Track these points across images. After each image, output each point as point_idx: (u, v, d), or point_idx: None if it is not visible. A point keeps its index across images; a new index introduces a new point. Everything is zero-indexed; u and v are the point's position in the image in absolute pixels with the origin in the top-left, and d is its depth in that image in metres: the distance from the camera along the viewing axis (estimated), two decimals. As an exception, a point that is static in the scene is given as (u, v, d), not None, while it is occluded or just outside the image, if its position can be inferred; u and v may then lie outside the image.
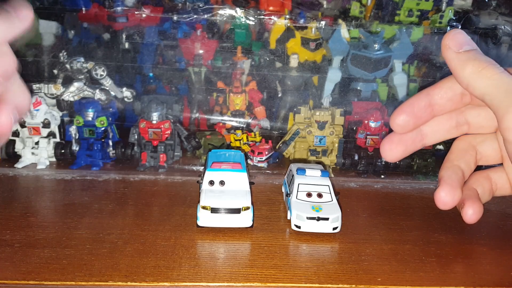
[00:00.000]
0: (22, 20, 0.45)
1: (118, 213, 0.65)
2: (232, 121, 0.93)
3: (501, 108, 0.48)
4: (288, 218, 0.64)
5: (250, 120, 0.93)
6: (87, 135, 0.86)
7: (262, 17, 0.95)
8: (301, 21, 0.98)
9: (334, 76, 0.96)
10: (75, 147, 0.87)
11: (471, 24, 1.00)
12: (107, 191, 0.74)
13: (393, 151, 0.59)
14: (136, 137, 0.88)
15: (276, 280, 0.50)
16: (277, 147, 0.91)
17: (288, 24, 0.97)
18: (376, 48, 0.92)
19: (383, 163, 0.88)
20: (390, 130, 0.87)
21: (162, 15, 0.98)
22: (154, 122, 0.84)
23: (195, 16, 0.94)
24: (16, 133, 0.87)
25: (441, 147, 0.91)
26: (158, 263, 0.52)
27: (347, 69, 0.96)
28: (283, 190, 0.74)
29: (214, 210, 0.60)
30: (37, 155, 0.86)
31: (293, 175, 0.68)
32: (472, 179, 0.62)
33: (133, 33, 1.00)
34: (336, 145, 0.89)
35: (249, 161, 0.88)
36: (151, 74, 1.02)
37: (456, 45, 0.53)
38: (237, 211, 0.60)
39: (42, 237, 0.57)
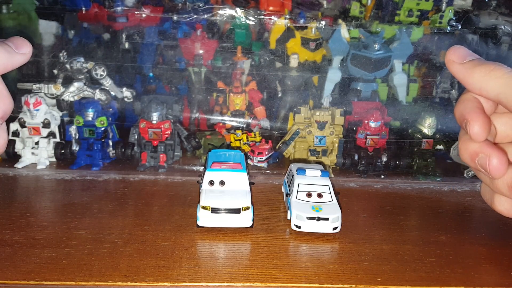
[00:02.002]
0: (21, 54, 0.49)
1: (118, 213, 0.65)
2: (232, 121, 0.93)
3: None
4: (288, 218, 0.64)
5: (250, 120, 0.93)
6: (87, 135, 0.86)
7: (262, 17, 0.95)
8: (301, 21, 0.98)
9: (334, 76, 0.96)
10: (75, 147, 0.87)
11: (471, 24, 1.00)
12: (107, 191, 0.74)
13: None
14: (136, 137, 0.88)
15: (276, 280, 0.50)
16: (277, 147, 0.91)
17: (288, 24, 0.97)
18: (376, 48, 0.92)
19: (383, 163, 0.88)
20: (390, 130, 0.88)
21: (162, 15, 0.98)
22: (154, 122, 0.84)
23: (195, 16, 0.94)
24: (16, 133, 0.87)
25: (441, 147, 0.91)
26: (158, 263, 0.52)
27: (347, 69, 0.96)
28: (283, 190, 0.74)
29: (214, 210, 0.60)
30: (37, 155, 0.86)
31: (293, 175, 0.68)
32: None
33: (133, 33, 1.00)
34: (336, 145, 0.89)
35: (249, 161, 0.88)
36: (151, 74, 1.02)
37: (459, 58, 0.54)
38: (237, 211, 0.60)
39: (42, 237, 0.57)
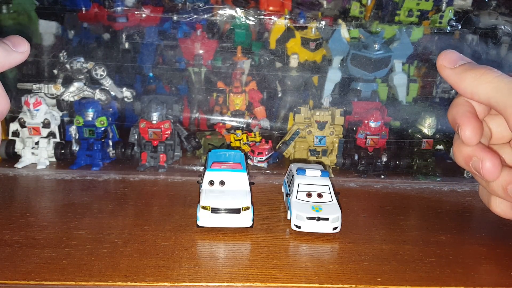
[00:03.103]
0: (19, 52, 0.49)
1: (118, 213, 0.65)
2: (232, 121, 0.93)
3: (507, 107, 0.48)
4: (288, 218, 0.64)
5: (250, 120, 0.93)
6: (87, 135, 0.86)
7: (262, 17, 0.95)
8: (301, 21, 0.98)
9: (334, 76, 0.96)
10: (75, 147, 0.87)
11: (471, 24, 1.00)
12: (107, 191, 0.74)
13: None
14: (136, 137, 0.88)
15: (276, 280, 0.50)
16: (277, 147, 0.91)
17: (288, 24, 0.97)
18: (376, 48, 0.92)
19: (383, 163, 0.88)
20: (390, 130, 0.88)
21: (162, 15, 0.98)
22: (154, 122, 0.84)
23: (195, 16, 0.94)
24: (16, 133, 0.87)
25: (441, 147, 0.91)
26: (158, 263, 0.52)
27: (347, 69, 0.96)
28: (283, 190, 0.74)
29: (214, 210, 0.60)
30: (37, 155, 0.86)
31: (293, 175, 0.68)
32: None
33: (133, 33, 1.00)
34: (336, 145, 0.89)
35: (249, 161, 0.88)
36: (151, 74, 1.02)
37: (450, 62, 0.54)
38: (237, 211, 0.60)
39: (42, 237, 0.57)
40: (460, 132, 0.52)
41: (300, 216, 0.60)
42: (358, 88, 0.96)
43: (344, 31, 0.95)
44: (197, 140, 0.90)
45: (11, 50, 0.48)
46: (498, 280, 0.52)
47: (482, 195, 0.60)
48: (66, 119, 0.90)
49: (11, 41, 0.49)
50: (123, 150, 0.88)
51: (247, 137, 0.91)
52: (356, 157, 0.88)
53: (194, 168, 0.86)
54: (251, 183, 0.66)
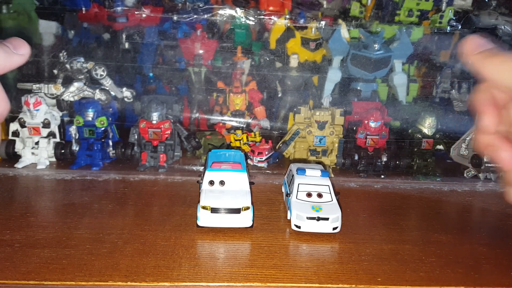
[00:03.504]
0: (19, 55, 0.48)
1: (118, 213, 0.65)
2: (232, 121, 0.93)
3: None
4: (288, 218, 0.64)
5: (250, 120, 0.93)
6: (87, 135, 0.86)
7: (262, 17, 0.95)
8: (301, 21, 0.98)
9: (334, 76, 0.96)
10: (75, 147, 0.87)
11: (471, 24, 1.00)
12: (107, 191, 0.74)
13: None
14: (136, 137, 0.88)
15: (276, 280, 0.50)
16: (277, 147, 0.91)
17: (288, 24, 0.97)
18: (376, 48, 0.92)
19: (383, 163, 0.88)
20: (390, 130, 0.88)
21: (162, 15, 0.98)
22: (154, 122, 0.84)
23: (195, 16, 0.94)
24: (16, 133, 0.87)
25: (441, 147, 0.91)
26: (158, 263, 0.52)
27: (347, 69, 0.96)
28: (283, 190, 0.74)
29: (214, 210, 0.60)
30: (37, 155, 0.86)
31: (293, 175, 0.68)
32: None
33: (133, 33, 1.00)
34: (336, 145, 0.89)
35: (249, 161, 0.88)
36: (151, 74, 1.02)
37: (472, 49, 0.54)
38: (237, 211, 0.60)
39: (42, 237, 0.57)
40: (478, 120, 0.52)
41: (300, 216, 0.60)
42: (358, 88, 0.96)
43: (344, 31, 0.95)
44: (197, 140, 0.90)
45: (12, 52, 0.48)
46: (498, 280, 0.52)
47: (502, 182, 0.60)
48: (66, 119, 0.90)
49: (11, 43, 0.49)
50: (123, 150, 0.88)
51: (247, 137, 0.91)
52: (356, 157, 0.88)
53: (194, 168, 0.86)
54: (251, 183, 0.66)
